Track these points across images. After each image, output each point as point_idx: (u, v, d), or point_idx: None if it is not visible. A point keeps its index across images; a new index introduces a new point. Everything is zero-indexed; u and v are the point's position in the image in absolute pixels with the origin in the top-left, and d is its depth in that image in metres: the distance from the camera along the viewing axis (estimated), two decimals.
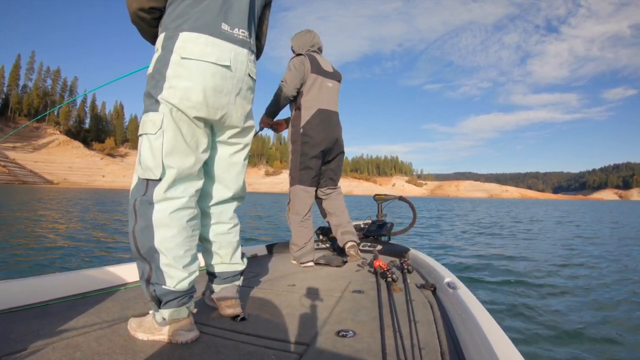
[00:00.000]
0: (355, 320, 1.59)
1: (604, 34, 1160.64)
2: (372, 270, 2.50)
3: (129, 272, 2.18)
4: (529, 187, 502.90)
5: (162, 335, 1.38)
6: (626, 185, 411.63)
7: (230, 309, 1.65)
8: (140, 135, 1.42)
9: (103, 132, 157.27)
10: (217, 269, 1.71)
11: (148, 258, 1.37)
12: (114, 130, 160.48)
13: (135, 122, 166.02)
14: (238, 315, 1.64)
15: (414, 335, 1.38)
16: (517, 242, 10.41)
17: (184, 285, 1.39)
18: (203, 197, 1.64)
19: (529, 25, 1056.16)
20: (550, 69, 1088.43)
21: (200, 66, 1.40)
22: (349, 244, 3.01)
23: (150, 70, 1.45)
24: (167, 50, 1.41)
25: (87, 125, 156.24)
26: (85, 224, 11.84)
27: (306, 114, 2.95)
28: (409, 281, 2.12)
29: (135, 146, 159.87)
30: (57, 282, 1.87)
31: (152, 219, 1.36)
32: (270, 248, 3.51)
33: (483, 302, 1.51)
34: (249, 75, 1.57)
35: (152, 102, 1.40)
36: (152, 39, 1.59)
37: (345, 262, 2.96)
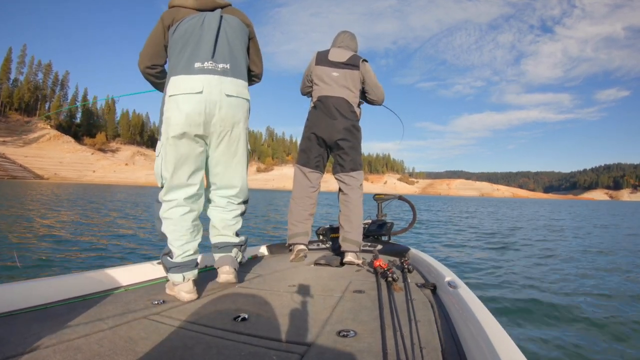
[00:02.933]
0: (356, 320, 1.60)
1: (597, 35, 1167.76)
2: (372, 270, 2.50)
3: (129, 274, 2.19)
4: (520, 187, 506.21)
5: (174, 293, 1.92)
6: (617, 185, 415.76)
7: (224, 274, 2.13)
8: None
9: (94, 127, 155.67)
10: (214, 239, 2.25)
11: (163, 239, 1.99)
12: (105, 125, 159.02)
13: (126, 117, 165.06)
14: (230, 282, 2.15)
15: (415, 335, 1.38)
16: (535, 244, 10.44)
17: (179, 259, 1.93)
18: (208, 188, 2.23)
19: (523, 25, 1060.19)
20: (544, 69, 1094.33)
21: (180, 98, 1.92)
22: (348, 257, 2.95)
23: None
24: (165, 94, 2.01)
25: (78, 120, 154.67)
26: (82, 222, 11.74)
27: (311, 102, 3.25)
28: (409, 280, 2.11)
29: (125, 141, 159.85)
30: (58, 284, 1.87)
31: (160, 213, 1.99)
32: (271, 248, 3.49)
33: (484, 301, 1.52)
34: (225, 94, 2.01)
35: (159, 133, 2.01)
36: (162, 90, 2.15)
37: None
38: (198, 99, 1.93)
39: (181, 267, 1.93)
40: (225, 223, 2.24)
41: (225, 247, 2.23)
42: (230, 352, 1.27)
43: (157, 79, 2.20)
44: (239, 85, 2.11)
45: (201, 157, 2.05)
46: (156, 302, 1.82)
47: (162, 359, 1.23)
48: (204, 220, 1.91)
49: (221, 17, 2.12)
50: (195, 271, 2.00)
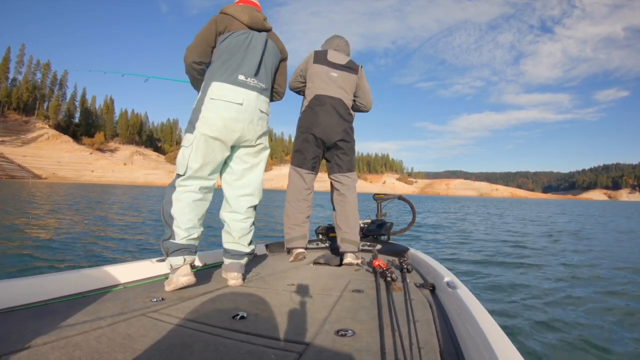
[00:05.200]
0: (354, 320, 1.59)
1: (597, 35, 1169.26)
2: (372, 269, 2.50)
3: (128, 272, 2.21)
4: (519, 187, 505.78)
5: (172, 284, 1.99)
6: (615, 186, 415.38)
7: (233, 280, 2.21)
8: (181, 146, 2.20)
9: (93, 126, 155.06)
10: (228, 246, 2.33)
11: (169, 222, 2.09)
12: (104, 124, 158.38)
13: (125, 117, 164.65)
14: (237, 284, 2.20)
15: (413, 335, 1.38)
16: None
17: (183, 241, 2.06)
18: (229, 191, 2.35)
19: (523, 25, 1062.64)
20: (543, 69, 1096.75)
21: (221, 104, 2.14)
22: (347, 258, 2.98)
23: (193, 105, 2.22)
24: (204, 93, 2.19)
25: (76, 120, 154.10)
26: (80, 221, 11.70)
27: (305, 101, 3.20)
28: (408, 280, 2.11)
29: (124, 141, 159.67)
30: (57, 281, 1.87)
31: (172, 196, 2.11)
32: (269, 247, 3.49)
33: (482, 302, 1.52)
34: (259, 109, 2.29)
35: (191, 127, 2.16)
36: (197, 88, 2.36)
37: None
38: (237, 109, 2.17)
39: (183, 250, 2.05)
40: (242, 232, 2.34)
41: (238, 255, 2.31)
42: (228, 350, 1.27)
43: (199, 74, 2.32)
44: (267, 103, 2.41)
45: (222, 161, 2.27)
46: (155, 300, 1.82)
47: (160, 356, 1.22)
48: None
49: (266, 40, 2.39)
50: (194, 257, 2.13)
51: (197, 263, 2.65)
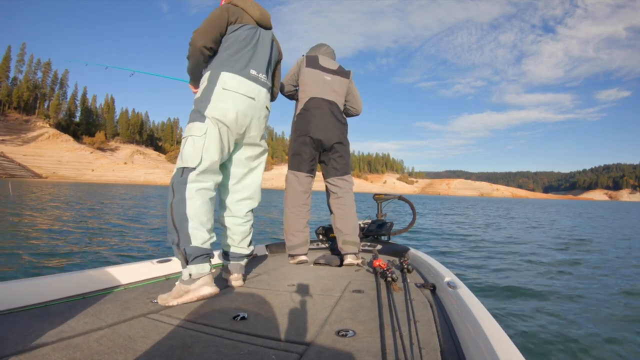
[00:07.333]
0: (355, 320, 1.59)
1: (599, 35, 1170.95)
2: (372, 269, 2.51)
3: (129, 273, 2.19)
4: (520, 187, 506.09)
5: (189, 295, 1.80)
6: (616, 186, 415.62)
7: (235, 281, 2.19)
8: (185, 137, 2.00)
9: (93, 125, 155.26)
10: (228, 249, 2.29)
11: (178, 226, 1.83)
12: (105, 123, 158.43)
13: (125, 116, 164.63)
14: (238, 285, 2.18)
15: (414, 335, 1.37)
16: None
17: (207, 245, 1.88)
18: (228, 195, 2.29)
19: (525, 24, 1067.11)
20: (545, 68, 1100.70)
21: (235, 95, 2.07)
22: (348, 259, 2.97)
23: (198, 95, 2.10)
24: (212, 83, 2.06)
25: (77, 119, 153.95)
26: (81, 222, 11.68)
27: (300, 104, 3.15)
28: (408, 280, 2.11)
29: (124, 140, 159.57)
30: (58, 282, 1.87)
31: (185, 193, 1.87)
32: (270, 248, 3.48)
33: (483, 302, 1.52)
34: (266, 107, 2.28)
35: (199, 115, 2.01)
36: (194, 74, 2.29)
37: None
38: (250, 103, 2.13)
39: (206, 256, 1.88)
40: (243, 235, 2.30)
41: (238, 257, 2.28)
42: (229, 351, 1.26)
43: (204, 61, 2.21)
44: (269, 100, 2.38)
45: (227, 157, 2.19)
46: (155, 301, 1.81)
47: (161, 357, 1.21)
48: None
49: (272, 39, 2.38)
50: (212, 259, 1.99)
51: None
